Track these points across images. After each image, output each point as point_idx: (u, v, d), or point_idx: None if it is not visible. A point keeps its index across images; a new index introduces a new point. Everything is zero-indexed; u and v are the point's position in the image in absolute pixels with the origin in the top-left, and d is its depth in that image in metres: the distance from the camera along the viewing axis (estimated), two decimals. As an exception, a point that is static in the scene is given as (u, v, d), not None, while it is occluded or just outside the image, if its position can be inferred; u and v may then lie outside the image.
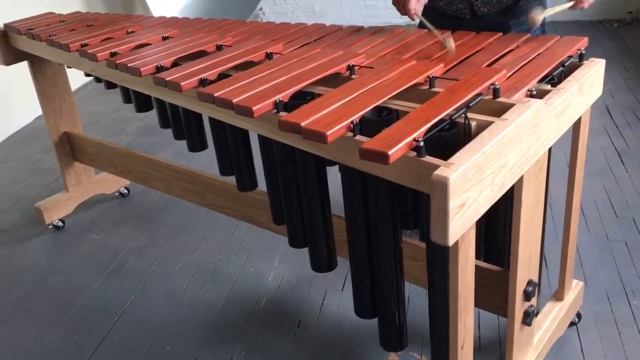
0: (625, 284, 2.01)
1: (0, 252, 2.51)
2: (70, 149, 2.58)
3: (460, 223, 1.06)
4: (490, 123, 1.16)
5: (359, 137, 1.15)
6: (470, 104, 1.19)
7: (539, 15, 1.64)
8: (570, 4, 1.69)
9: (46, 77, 2.43)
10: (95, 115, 3.87)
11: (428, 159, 1.06)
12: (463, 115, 1.18)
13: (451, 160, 1.04)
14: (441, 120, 1.14)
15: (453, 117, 1.16)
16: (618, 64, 3.91)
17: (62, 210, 2.63)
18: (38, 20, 2.29)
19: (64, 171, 2.62)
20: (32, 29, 2.13)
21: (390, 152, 1.03)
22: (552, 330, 1.68)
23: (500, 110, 1.22)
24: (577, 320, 1.85)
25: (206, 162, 1.91)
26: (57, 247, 2.52)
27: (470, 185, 1.05)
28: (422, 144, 1.07)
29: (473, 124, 1.19)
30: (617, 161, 2.77)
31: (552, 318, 1.70)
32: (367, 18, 5.25)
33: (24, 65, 2.40)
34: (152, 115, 2.01)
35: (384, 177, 1.15)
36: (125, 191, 2.84)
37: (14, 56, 2.34)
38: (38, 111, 3.81)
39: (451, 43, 1.55)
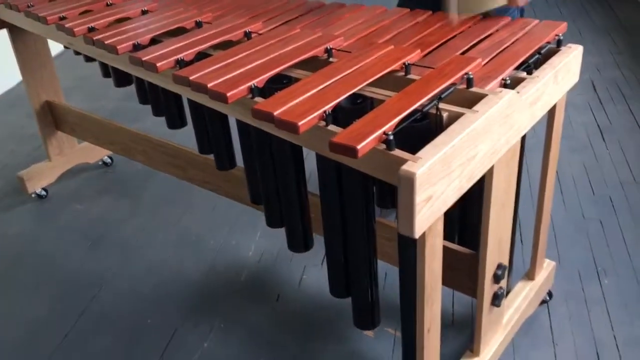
0: (598, 263, 2.06)
1: (-17, 221, 2.53)
2: (53, 118, 2.57)
3: (427, 216, 1.08)
4: (461, 114, 1.17)
5: (331, 127, 1.16)
6: (443, 95, 1.20)
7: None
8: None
9: (26, 45, 2.40)
10: (79, 78, 3.82)
11: (397, 152, 1.07)
12: (435, 106, 1.19)
13: (419, 154, 1.06)
14: (414, 112, 1.15)
15: (425, 109, 1.17)
16: (607, 37, 3.89)
17: (45, 179, 2.64)
18: (17, -12, 2.24)
19: (47, 140, 2.61)
20: (10, -2, 2.09)
21: (359, 147, 1.04)
22: (521, 310, 1.73)
23: (473, 100, 1.23)
24: (548, 298, 1.90)
25: (190, 132, 1.91)
26: (40, 217, 2.53)
27: (437, 179, 1.07)
28: (391, 137, 1.08)
29: (445, 115, 1.19)
30: (598, 138, 2.79)
31: (522, 298, 1.75)
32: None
33: (3, 31, 2.37)
34: None
35: (355, 168, 1.16)
36: (109, 160, 2.84)
37: (-7, 24, 2.31)
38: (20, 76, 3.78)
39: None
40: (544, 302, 1.89)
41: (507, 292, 1.75)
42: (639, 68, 3.43)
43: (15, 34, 2.35)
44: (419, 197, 1.03)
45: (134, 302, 2.04)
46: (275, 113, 1.16)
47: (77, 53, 1.97)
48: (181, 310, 2.00)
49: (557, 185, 2.46)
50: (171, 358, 1.82)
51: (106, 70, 1.99)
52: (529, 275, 1.82)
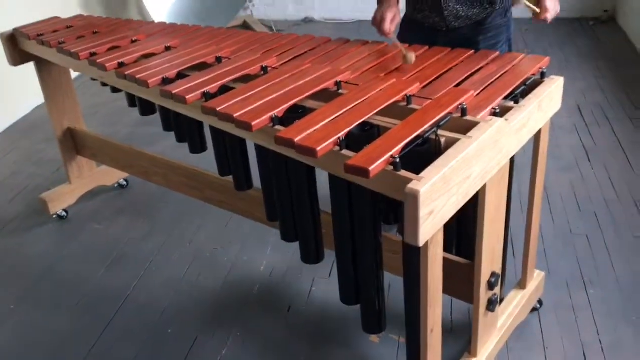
0: (584, 274, 2.23)
1: (9, 241, 2.68)
2: (74, 143, 2.74)
3: (430, 227, 1.26)
4: (457, 140, 1.35)
5: (345, 152, 1.34)
6: (441, 124, 1.39)
7: (412, 57, 1.78)
8: (538, 11, 1.87)
9: (51, 76, 2.58)
10: (94, 105, 4.00)
11: (403, 173, 1.25)
12: (434, 133, 1.37)
13: (422, 174, 1.23)
14: (416, 137, 1.34)
15: (425, 135, 1.36)
16: (591, 63, 4.12)
17: (65, 201, 2.80)
18: (45, 25, 2.43)
19: (67, 164, 2.78)
20: (41, 35, 2.28)
21: (370, 168, 1.22)
22: (514, 316, 1.89)
23: (467, 127, 1.41)
24: (538, 306, 2.07)
25: (202, 156, 2.09)
26: (62, 236, 2.69)
27: (438, 195, 1.25)
28: (398, 160, 1.26)
29: (442, 140, 1.38)
30: (584, 158, 2.98)
31: (514, 305, 1.92)
32: (356, 12, 5.38)
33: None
34: None
35: (366, 187, 1.34)
36: (125, 183, 3.01)
37: (22, 58, 2.49)
38: (37, 102, 3.98)
39: (412, 57, 1.75)
40: (534, 309, 2.06)
41: (501, 300, 1.92)
42: (622, 92, 3.64)
43: (42, 65, 2.53)
44: (423, 211, 1.21)
45: (155, 315, 2.20)
46: (296, 140, 1.34)
47: (103, 85, 2.15)
48: (199, 320, 2.15)
49: (546, 203, 2.64)
50: (193, 364, 1.98)
51: (132, 101, 2.17)
52: (521, 285, 1.99)
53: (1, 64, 3.49)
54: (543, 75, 1.71)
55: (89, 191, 2.91)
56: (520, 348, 1.93)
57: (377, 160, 1.23)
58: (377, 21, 1.99)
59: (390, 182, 1.27)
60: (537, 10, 1.87)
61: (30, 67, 2.58)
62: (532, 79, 1.68)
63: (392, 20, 1.98)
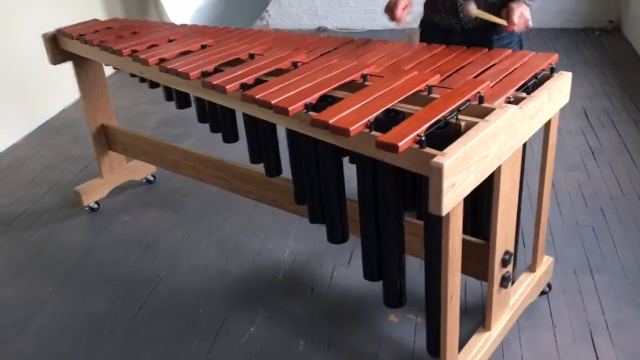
0: (590, 261, 2.36)
1: (45, 230, 2.84)
2: (106, 139, 2.90)
3: (452, 199, 1.40)
4: (475, 123, 1.50)
5: (374, 133, 1.49)
6: (461, 108, 1.54)
7: (473, 11, 1.96)
8: (506, 24, 2.02)
9: (88, 75, 2.75)
10: (117, 108, 4.14)
11: (428, 150, 1.40)
12: (455, 117, 1.52)
13: (445, 150, 1.38)
14: (438, 120, 1.48)
15: (447, 118, 1.50)
16: (597, 70, 4.27)
17: (97, 194, 2.95)
18: (86, 26, 2.60)
19: (100, 159, 2.94)
20: (83, 35, 2.45)
21: (399, 144, 1.36)
22: (525, 295, 2.03)
23: (484, 113, 1.55)
24: (547, 290, 2.20)
25: (224, 150, 2.22)
26: (94, 227, 2.84)
27: (459, 170, 1.39)
28: (423, 138, 1.41)
29: (462, 123, 1.52)
30: (590, 158, 3.12)
31: (525, 286, 2.05)
32: (366, 22, 5.57)
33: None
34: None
35: (394, 164, 1.48)
36: (152, 178, 3.16)
37: (61, 57, 2.66)
38: (63, 104, 4.16)
39: (414, 37, 1.91)
40: (544, 293, 2.19)
41: (513, 282, 2.06)
42: (626, 97, 3.79)
43: (80, 66, 2.70)
44: (446, 182, 1.35)
45: (186, 296, 2.34)
46: (331, 122, 1.49)
47: (142, 80, 2.31)
48: (228, 302, 2.29)
49: (555, 199, 2.78)
50: (223, 340, 2.11)
51: (169, 94, 2.33)
52: (531, 269, 2.13)
53: (34, 67, 3.71)
54: (552, 70, 1.86)
55: (118, 185, 3.07)
56: (530, 327, 2.06)
57: (405, 138, 1.38)
58: (390, 7, 2.10)
59: (416, 159, 1.41)
60: (505, 23, 2.02)
61: (59, 72, 2.73)
62: (542, 74, 1.82)
63: (405, 8, 2.09)
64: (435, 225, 1.52)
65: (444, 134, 1.52)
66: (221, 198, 2.94)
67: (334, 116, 1.52)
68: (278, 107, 1.62)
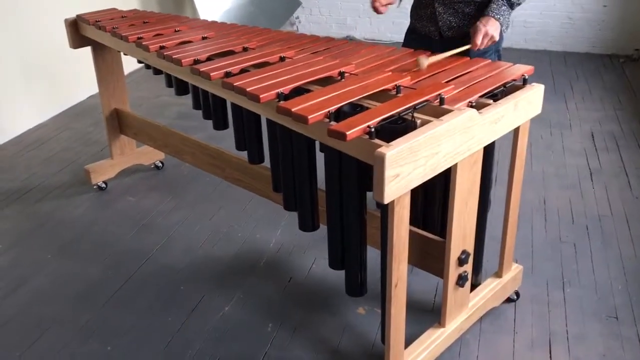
0: (565, 275, 2.40)
1: (53, 203, 3.02)
2: (118, 123, 3.07)
3: (395, 189, 1.48)
4: (430, 121, 1.58)
5: (332, 123, 1.59)
6: (417, 107, 1.62)
7: (424, 61, 1.97)
8: (469, 46, 2.12)
9: (105, 61, 2.92)
10: (140, 98, 4.38)
11: (376, 140, 1.49)
12: (411, 114, 1.61)
13: (391, 143, 1.47)
14: (392, 116, 1.57)
15: (402, 115, 1.59)
16: (614, 96, 4.26)
17: (106, 174, 3.12)
18: (104, 14, 2.79)
19: (111, 141, 3.11)
20: (99, 21, 2.62)
21: (348, 133, 1.46)
22: (487, 299, 2.08)
23: (442, 113, 1.63)
24: (515, 297, 2.25)
25: (230, 145, 2.36)
26: (99, 204, 3.01)
27: (404, 162, 1.48)
28: (373, 130, 1.50)
29: (418, 121, 1.61)
30: (587, 179, 3.14)
31: (489, 290, 2.11)
32: (394, 34, 5.66)
33: (82, 52, 2.89)
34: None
35: (344, 152, 1.58)
36: (160, 164, 3.32)
37: (80, 42, 2.84)
38: (90, 91, 4.38)
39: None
40: (510, 300, 2.24)
41: (477, 286, 2.12)
42: (636, 123, 3.78)
43: (98, 52, 2.88)
44: (388, 172, 1.44)
45: (171, 274, 2.47)
46: (293, 109, 1.60)
47: (147, 67, 2.46)
48: (209, 282, 2.41)
49: (542, 214, 2.81)
50: (197, 316, 2.23)
51: (169, 81, 2.48)
52: (497, 274, 2.18)
53: (65, 56, 3.92)
54: (525, 81, 1.92)
55: (127, 168, 3.23)
56: (492, 330, 2.11)
57: (355, 127, 1.48)
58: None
59: (365, 148, 1.51)
60: (468, 46, 2.12)
61: (89, 60, 2.91)
62: (513, 84, 1.89)
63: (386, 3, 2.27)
64: (384, 217, 1.60)
65: (400, 129, 1.60)
66: (221, 188, 3.07)
67: (298, 105, 1.63)
68: (252, 94, 1.74)
